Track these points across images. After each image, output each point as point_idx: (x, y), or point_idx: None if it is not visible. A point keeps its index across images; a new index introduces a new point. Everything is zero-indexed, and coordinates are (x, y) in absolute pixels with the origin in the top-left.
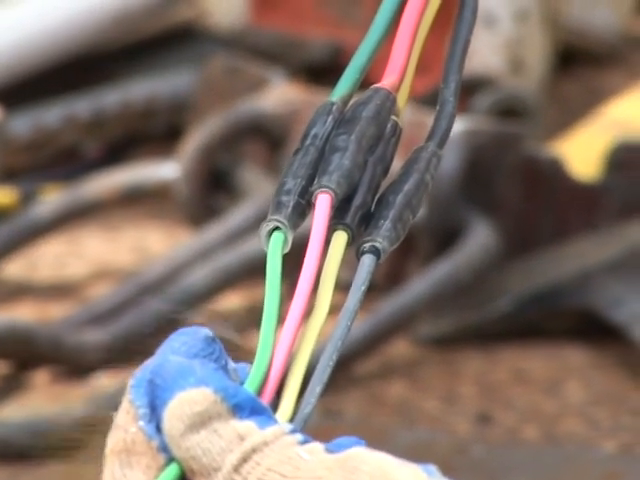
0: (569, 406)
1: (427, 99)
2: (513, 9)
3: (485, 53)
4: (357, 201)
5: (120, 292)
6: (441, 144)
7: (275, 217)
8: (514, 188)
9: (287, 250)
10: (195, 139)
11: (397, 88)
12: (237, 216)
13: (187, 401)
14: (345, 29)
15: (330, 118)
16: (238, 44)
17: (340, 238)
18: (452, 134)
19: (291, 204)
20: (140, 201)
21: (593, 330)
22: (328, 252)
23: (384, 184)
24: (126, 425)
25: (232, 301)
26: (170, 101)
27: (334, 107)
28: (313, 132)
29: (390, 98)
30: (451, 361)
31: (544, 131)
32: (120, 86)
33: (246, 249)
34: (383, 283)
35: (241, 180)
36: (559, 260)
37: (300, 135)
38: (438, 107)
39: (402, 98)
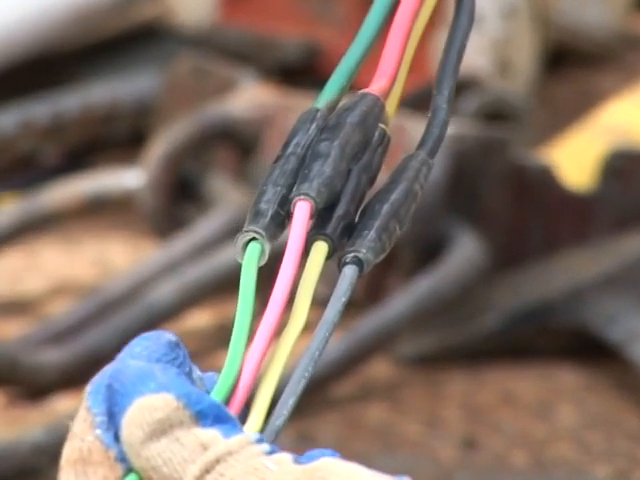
0: (560, 430)
1: (409, 102)
2: (500, 6)
3: (470, 53)
4: (339, 211)
5: (81, 309)
6: (432, 153)
7: (252, 227)
8: (502, 197)
9: (264, 262)
10: (160, 145)
11: (387, 94)
12: (205, 227)
13: (147, 407)
14: (321, 27)
15: (314, 126)
16: (206, 44)
17: (319, 249)
18: None
19: (269, 214)
20: (102, 211)
21: (586, 349)
22: (307, 263)
23: (369, 195)
24: (82, 434)
25: (200, 318)
26: (133, 105)
27: (318, 114)
28: (295, 140)
29: (378, 104)
30: (434, 382)
31: (534, 136)
32: (80, 89)
33: (216, 262)
34: (362, 299)
35: (209, 189)
36: (550, 274)
37: (273, 141)
38: (430, 114)
39: (392, 105)
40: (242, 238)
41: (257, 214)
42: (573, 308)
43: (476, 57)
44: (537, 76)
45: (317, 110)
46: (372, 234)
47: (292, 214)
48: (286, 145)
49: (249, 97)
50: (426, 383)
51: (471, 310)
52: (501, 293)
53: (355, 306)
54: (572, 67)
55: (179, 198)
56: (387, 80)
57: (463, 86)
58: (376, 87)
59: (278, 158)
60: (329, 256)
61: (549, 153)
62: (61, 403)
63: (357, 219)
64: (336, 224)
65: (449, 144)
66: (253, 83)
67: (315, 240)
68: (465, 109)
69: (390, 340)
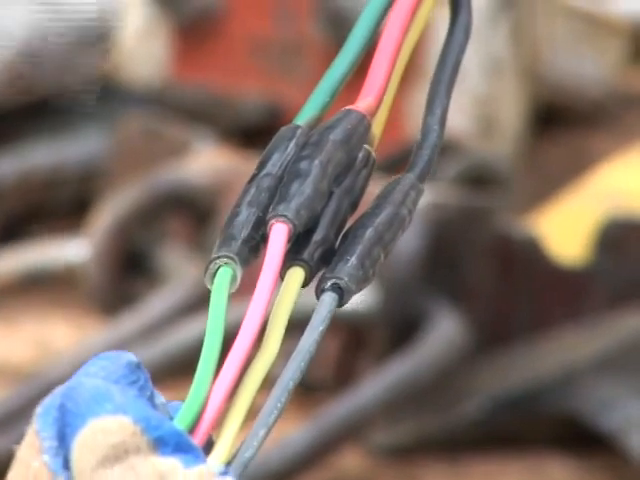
0: None
1: (385, 166)
2: (483, 60)
3: (450, 112)
4: (318, 235)
5: (19, 395)
6: (422, 177)
7: (223, 252)
8: (485, 271)
9: (235, 288)
10: (107, 214)
11: (373, 112)
12: (157, 304)
13: (101, 430)
14: (284, 84)
15: (293, 143)
16: (158, 102)
17: (295, 275)
18: None
19: (242, 237)
20: (42, 287)
21: (578, 439)
22: (280, 289)
23: (351, 221)
24: (28, 459)
25: None
26: (78, 169)
27: (298, 131)
28: (272, 159)
29: (364, 123)
30: (410, 475)
31: (520, 203)
32: (19, 151)
33: (168, 344)
34: (330, 382)
35: (161, 262)
36: (538, 356)
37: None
38: (421, 136)
39: (379, 124)
40: (213, 266)
41: (228, 237)
42: (564, 394)
43: (456, 116)
44: (524, 137)
45: (297, 127)
46: (354, 260)
47: (267, 237)
48: (262, 164)
49: (205, 161)
50: (401, 476)
51: (451, 396)
52: (484, 377)
53: (323, 390)
54: (563, 127)
55: (128, 272)
56: (374, 97)
57: (442, 149)
58: (362, 104)
59: (253, 177)
60: (305, 284)
61: (537, 222)
62: None
63: (337, 245)
64: (313, 249)
65: (427, 213)
66: (209, 146)
67: (290, 266)
68: (445, 174)
69: (361, 428)
